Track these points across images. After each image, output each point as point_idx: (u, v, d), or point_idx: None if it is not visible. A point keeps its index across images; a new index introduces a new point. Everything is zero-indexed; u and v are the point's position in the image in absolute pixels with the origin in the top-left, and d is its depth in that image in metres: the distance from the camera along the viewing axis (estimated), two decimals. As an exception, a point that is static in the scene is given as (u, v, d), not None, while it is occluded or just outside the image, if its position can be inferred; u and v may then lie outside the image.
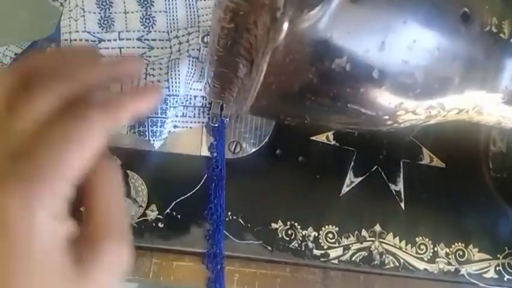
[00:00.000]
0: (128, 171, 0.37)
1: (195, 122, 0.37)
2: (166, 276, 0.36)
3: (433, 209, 0.38)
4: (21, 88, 0.21)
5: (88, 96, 0.22)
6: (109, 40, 0.37)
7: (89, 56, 0.24)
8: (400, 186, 0.39)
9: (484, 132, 0.40)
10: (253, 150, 0.37)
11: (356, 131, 0.37)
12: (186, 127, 0.37)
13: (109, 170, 0.22)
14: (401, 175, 0.39)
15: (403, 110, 0.26)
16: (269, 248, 0.36)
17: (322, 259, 0.37)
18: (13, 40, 0.42)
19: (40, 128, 0.20)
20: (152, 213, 0.36)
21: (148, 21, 0.37)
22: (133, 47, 0.37)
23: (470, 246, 0.38)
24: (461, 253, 0.38)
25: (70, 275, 0.20)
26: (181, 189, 0.37)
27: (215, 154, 0.36)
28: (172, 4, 0.38)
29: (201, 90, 0.37)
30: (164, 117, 0.35)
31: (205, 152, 0.37)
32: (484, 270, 0.38)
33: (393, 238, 0.38)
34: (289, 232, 0.37)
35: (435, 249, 0.38)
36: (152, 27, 0.38)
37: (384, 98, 0.25)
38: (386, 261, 0.37)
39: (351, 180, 0.38)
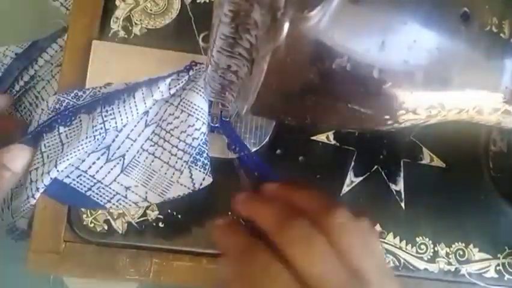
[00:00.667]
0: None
1: None
2: (166, 276, 0.36)
3: (433, 208, 0.38)
4: None
5: None
6: None
7: None
8: (400, 186, 0.39)
9: (484, 132, 0.40)
10: (254, 150, 0.37)
11: (356, 130, 0.37)
12: None
13: None
14: (401, 175, 0.39)
15: (403, 110, 0.26)
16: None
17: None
18: (13, 40, 0.42)
19: None
20: (153, 213, 0.36)
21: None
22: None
23: (471, 246, 0.38)
24: (461, 253, 0.38)
25: None
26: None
27: (237, 149, 0.36)
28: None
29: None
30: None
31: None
32: (484, 269, 0.38)
33: (394, 238, 0.38)
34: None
35: (436, 249, 0.38)
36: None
37: (385, 98, 0.25)
38: (386, 261, 0.37)
39: (351, 180, 0.38)
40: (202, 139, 0.36)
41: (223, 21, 0.23)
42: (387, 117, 0.27)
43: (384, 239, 0.37)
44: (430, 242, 0.38)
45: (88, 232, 0.36)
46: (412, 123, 0.28)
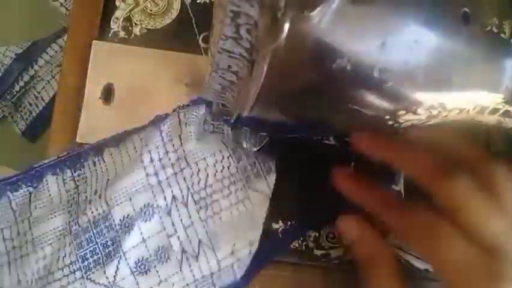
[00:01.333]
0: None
1: None
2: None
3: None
4: None
5: None
6: None
7: None
8: (400, 186, 0.39)
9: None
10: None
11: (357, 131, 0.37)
12: None
13: None
14: (402, 175, 0.39)
15: (404, 110, 0.26)
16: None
17: (323, 259, 0.36)
18: (13, 40, 0.42)
19: None
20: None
21: None
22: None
23: (471, 246, 0.38)
24: (461, 253, 0.38)
25: None
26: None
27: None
28: None
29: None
30: None
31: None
32: (485, 270, 0.38)
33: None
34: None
35: (436, 249, 0.38)
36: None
37: (385, 98, 0.25)
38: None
39: (351, 180, 0.38)
40: (233, 160, 0.34)
41: (223, 22, 0.23)
42: (387, 117, 0.27)
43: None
44: (430, 242, 0.38)
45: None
46: (413, 123, 0.28)
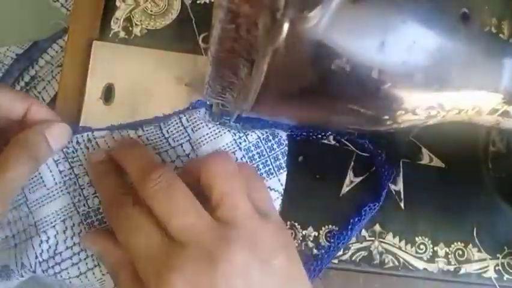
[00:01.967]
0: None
1: None
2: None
3: (433, 208, 0.38)
4: None
5: None
6: None
7: None
8: (400, 186, 0.39)
9: (483, 132, 0.40)
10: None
11: (356, 131, 0.38)
12: None
13: None
14: (401, 175, 0.39)
15: (403, 111, 0.26)
16: (269, 247, 0.36)
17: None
18: (14, 40, 0.42)
19: None
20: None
21: None
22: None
23: (470, 246, 0.38)
24: (460, 253, 0.38)
25: None
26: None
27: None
28: None
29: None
30: None
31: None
32: (484, 269, 0.38)
33: (393, 238, 0.38)
34: (290, 232, 0.37)
35: (435, 248, 0.38)
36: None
37: (384, 99, 0.26)
38: (386, 261, 0.37)
39: (351, 180, 0.38)
40: (247, 161, 0.35)
41: (223, 22, 0.24)
42: (386, 117, 0.27)
43: (384, 238, 0.38)
44: (429, 241, 0.38)
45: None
46: (411, 123, 0.28)
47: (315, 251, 0.37)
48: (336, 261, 0.37)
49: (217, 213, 0.27)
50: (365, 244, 0.37)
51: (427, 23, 0.25)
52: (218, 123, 0.36)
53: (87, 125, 0.35)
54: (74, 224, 0.33)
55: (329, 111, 0.27)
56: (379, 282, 0.37)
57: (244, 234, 0.27)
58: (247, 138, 0.35)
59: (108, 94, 0.37)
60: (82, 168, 0.34)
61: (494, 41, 0.27)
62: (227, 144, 0.35)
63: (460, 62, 0.27)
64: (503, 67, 0.27)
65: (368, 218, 0.37)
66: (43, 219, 0.33)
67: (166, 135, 0.35)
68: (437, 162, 0.39)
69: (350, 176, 0.38)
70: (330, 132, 0.38)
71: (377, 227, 0.38)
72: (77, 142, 0.34)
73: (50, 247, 0.33)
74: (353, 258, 0.37)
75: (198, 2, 0.39)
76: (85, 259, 0.33)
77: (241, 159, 0.35)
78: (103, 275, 0.33)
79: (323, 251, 0.36)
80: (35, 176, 0.34)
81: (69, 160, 0.34)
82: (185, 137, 0.35)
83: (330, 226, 0.37)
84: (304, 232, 0.37)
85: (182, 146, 0.35)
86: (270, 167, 0.35)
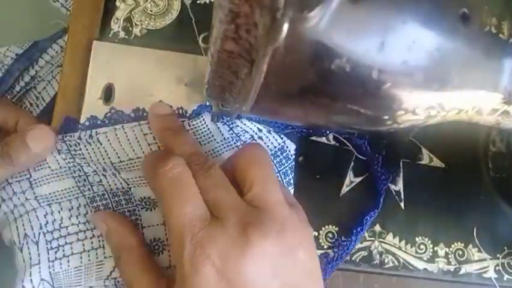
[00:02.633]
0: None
1: None
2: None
3: (433, 209, 0.38)
4: None
5: None
6: None
7: None
8: (400, 186, 0.39)
9: (483, 132, 0.40)
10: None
11: (356, 131, 0.38)
12: None
13: None
14: (401, 175, 0.39)
15: (403, 111, 0.26)
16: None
17: (322, 259, 0.37)
18: (14, 40, 0.42)
19: None
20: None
21: None
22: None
23: (470, 246, 0.38)
24: (460, 253, 0.38)
25: None
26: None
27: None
28: None
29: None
30: None
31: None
32: (484, 270, 0.38)
33: (393, 238, 0.38)
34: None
35: (435, 249, 0.38)
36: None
37: (384, 99, 0.26)
38: (386, 261, 0.37)
39: (351, 180, 0.38)
40: None
41: (223, 22, 0.24)
42: (386, 117, 0.27)
43: (384, 238, 0.38)
44: (430, 242, 0.38)
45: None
46: (411, 123, 0.28)
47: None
48: (336, 261, 0.37)
49: (250, 196, 0.28)
50: (365, 244, 0.37)
51: (427, 23, 0.25)
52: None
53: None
54: (80, 205, 0.34)
55: (329, 111, 0.27)
56: (379, 282, 0.37)
57: (276, 220, 0.27)
58: None
59: (108, 94, 0.37)
60: (85, 160, 0.34)
61: (494, 41, 0.27)
62: None
63: (460, 62, 0.27)
64: (503, 67, 0.27)
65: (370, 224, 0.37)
66: (47, 195, 0.33)
67: None
68: (437, 162, 0.39)
69: (349, 176, 0.38)
70: (329, 132, 0.38)
71: (377, 227, 0.38)
72: (79, 137, 0.34)
73: (55, 220, 0.33)
74: (353, 258, 0.37)
75: (198, 2, 0.39)
76: (90, 238, 0.33)
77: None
78: (105, 257, 0.33)
79: (326, 261, 0.36)
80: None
81: (71, 152, 0.34)
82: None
83: (330, 226, 0.37)
84: (304, 232, 0.37)
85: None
86: (281, 182, 0.35)
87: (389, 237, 0.38)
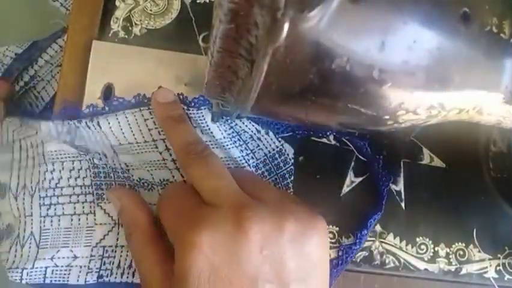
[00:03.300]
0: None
1: None
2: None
3: (433, 209, 0.38)
4: None
5: None
6: None
7: None
8: (400, 186, 0.39)
9: (484, 132, 0.40)
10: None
11: (357, 131, 0.37)
12: None
13: None
14: (402, 175, 0.39)
15: (403, 110, 0.26)
16: (269, 248, 0.36)
17: (322, 259, 0.37)
18: (13, 40, 0.42)
19: None
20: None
21: None
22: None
23: (471, 246, 0.38)
24: (461, 253, 0.38)
25: None
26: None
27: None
28: None
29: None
30: None
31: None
32: (485, 270, 0.38)
33: (394, 238, 0.38)
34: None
35: (436, 249, 0.38)
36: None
37: (385, 98, 0.25)
38: (387, 261, 0.37)
39: (351, 180, 0.38)
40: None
41: (223, 21, 0.23)
42: (387, 117, 0.27)
43: (385, 239, 0.37)
44: (430, 242, 0.38)
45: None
46: (412, 123, 0.28)
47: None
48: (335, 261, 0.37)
49: (247, 189, 0.29)
50: (365, 244, 0.37)
51: (427, 22, 0.25)
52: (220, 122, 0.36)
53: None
54: (81, 168, 0.34)
55: (330, 111, 0.27)
56: (379, 282, 0.37)
57: (274, 211, 0.28)
58: (254, 155, 0.35)
59: (107, 94, 0.37)
60: (83, 141, 0.34)
61: (495, 41, 0.27)
62: (235, 158, 0.35)
63: (461, 61, 0.27)
64: (504, 67, 0.27)
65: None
66: (53, 152, 0.34)
67: None
68: (437, 162, 0.39)
69: (350, 176, 0.38)
70: (330, 132, 0.38)
71: (378, 227, 0.38)
72: (79, 121, 0.35)
73: (53, 178, 0.34)
74: (354, 259, 0.37)
75: (198, 1, 0.39)
76: (83, 202, 0.33)
77: None
78: (95, 224, 0.33)
79: (331, 266, 0.36)
80: (34, 126, 0.35)
81: (71, 134, 0.34)
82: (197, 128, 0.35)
83: (330, 227, 0.37)
84: (304, 232, 0.37)
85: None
86: (279, 186, 0.35)
87: (390, 237, 0.38)
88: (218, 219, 0.27)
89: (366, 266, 0.37)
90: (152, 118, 0.35)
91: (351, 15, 0.23)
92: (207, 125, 0.35)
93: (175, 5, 0.39)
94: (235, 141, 0.35)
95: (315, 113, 0.28)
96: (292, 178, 0.36)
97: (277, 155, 0.36)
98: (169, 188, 0.32)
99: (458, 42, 0.26)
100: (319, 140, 0.39)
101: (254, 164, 0.35)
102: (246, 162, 0.35)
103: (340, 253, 0.36)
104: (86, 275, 0.33)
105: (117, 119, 0.35)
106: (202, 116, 0.35)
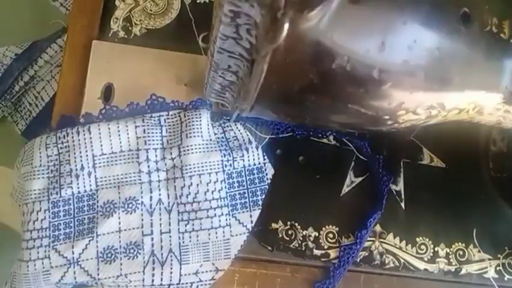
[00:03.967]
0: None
1: None
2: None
3: (433, 209, 0.38)
4: None
5: None
6: None
7: None
8: (400, 186, 0.39)
9: (484, 132, 0.40)
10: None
11: (357, 131, 0.37)
12: None
13: None
14: (402, 175, 0.39)
15: (403, 110, 0.26)
16: (269, 248, 0.36)
17: (322, 259, 0.37)
18: (13, 40, 0.42)
19: None
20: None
21: None
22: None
23: (471, 246, 0.38)
24: (461, 253, 0.38)
25: None
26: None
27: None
28: None
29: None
30: None
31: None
32: (484, 270, 0.38)
33: (394, 238, 0.38)
34: (290, 232, 0.37)
35: (436, 249, 0.38)
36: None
37: (385, 98, 0.25)
38: (387, 261, 0.37)
39: (351, 180, 0.38)
40: (226, 186, 0.35)
41: (223, 22, 0.23)
42: (387, 117, 0.27)
43: (385, 239, 0.37)
44: (430, 242, 0.38)
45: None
46: (412, 123, 0.28)
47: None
48: (336, 261, 0.37)
49: None
50: (365, 244, 0.37)
51: (428, 22, 0.25)
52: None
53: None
54: (41, 209, 0.34)
55: (330, 111, 0.27)
56: (379, 282, 0.37)
57: None
58: (233, 163, 0.35)
59: (107, 94, 0.37)
60: (67, 155, 0.34)
61: (495, 41, 0.27)
62: (213, 162, 0.35)
63: (461, 61, 0.27)
64: (504, 67, 0.27)
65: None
66: (27, 192, 0.34)
67: (164, 134, 0.35)
68: (437, 162, 0.39)
69: (350, 176, 0.38)
70: (330, 132, 0.38)
71: (378, 227, 0.37)
72: (72, 128, 0.35)
73: (23, 222, 0.34)
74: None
75: (198, 1, 0.39)
76: (37, 247, 0.34)
77: (222, 182, 0.35)
78: (51, 267, 0.33)
79: (333, 268, 0.36)
80: (29, 150, 0.35)
81: (58, 146, 0.35)
82: (177, 141, 0.35)
83: (330, 226, 0.37)
84: (304, 232, 0.37)
85: (171, 149, 0.35)
86: (247, 200, 0.35)
87: (390, 237, 0.38)
88: None
89: (366, 266, 0.37)
90: (143, 125, 0.35)
91: (351, 15, 0.23)
92: (200, 125, 0.35)
93: (175, 5, 0.39)
94: (221, 145, 0.36)
95: (315, 113, 0.28)
96: (263, 196, 0.36)
97: (255, 171, 0.36)
98: None
99: (458, 43, 0.26)
100: (319, 140, 0.38)
101: (229, 171, 0.35)
102: (222, 168, 0.35)
103: (340, 253, 0.36)
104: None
105: (108, 127, 0.35)
106: (199, 115, 0.35)
